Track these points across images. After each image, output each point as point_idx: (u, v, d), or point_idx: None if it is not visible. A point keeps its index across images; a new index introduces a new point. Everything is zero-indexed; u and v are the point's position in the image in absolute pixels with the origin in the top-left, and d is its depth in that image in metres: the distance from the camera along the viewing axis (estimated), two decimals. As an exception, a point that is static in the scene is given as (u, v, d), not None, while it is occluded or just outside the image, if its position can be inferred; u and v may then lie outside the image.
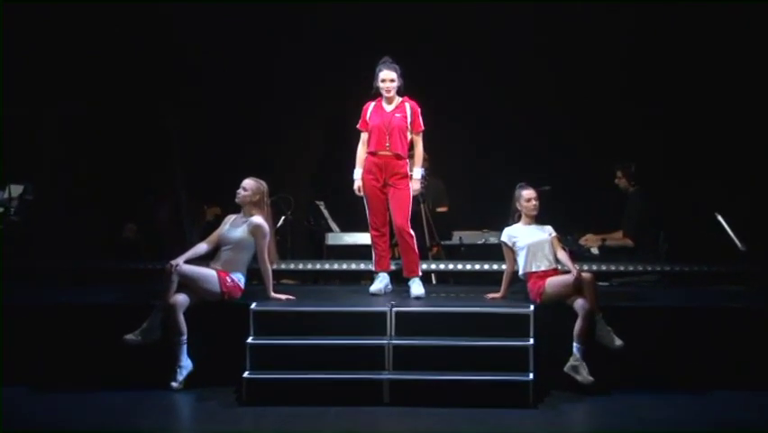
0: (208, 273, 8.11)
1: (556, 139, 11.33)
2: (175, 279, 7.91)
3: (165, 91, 11.12)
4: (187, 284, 7.99)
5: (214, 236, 8.38)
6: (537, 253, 8.28)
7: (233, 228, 8.33)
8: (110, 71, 11.14)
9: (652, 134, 11.22)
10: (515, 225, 8.45)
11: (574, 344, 7.82)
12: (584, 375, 7.77)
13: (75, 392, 7.87)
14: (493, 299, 8.46)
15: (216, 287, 8.09)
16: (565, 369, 7.80)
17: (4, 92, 10.50)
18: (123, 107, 11.19)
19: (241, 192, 8.36)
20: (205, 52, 11.33)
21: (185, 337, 7.91)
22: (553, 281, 8.09)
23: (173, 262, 7.95)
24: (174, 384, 7.88)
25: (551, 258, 8.29)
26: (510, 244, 8.39)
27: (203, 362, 7.96)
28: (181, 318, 7.91)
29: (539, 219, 8.48)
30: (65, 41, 10.97)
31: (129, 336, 7.84)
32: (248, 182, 8.38)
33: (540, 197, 8.47)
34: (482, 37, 11.32)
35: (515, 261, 8.39)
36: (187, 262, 8.06)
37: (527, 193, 8.41)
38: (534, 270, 8.25)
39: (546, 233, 8.39)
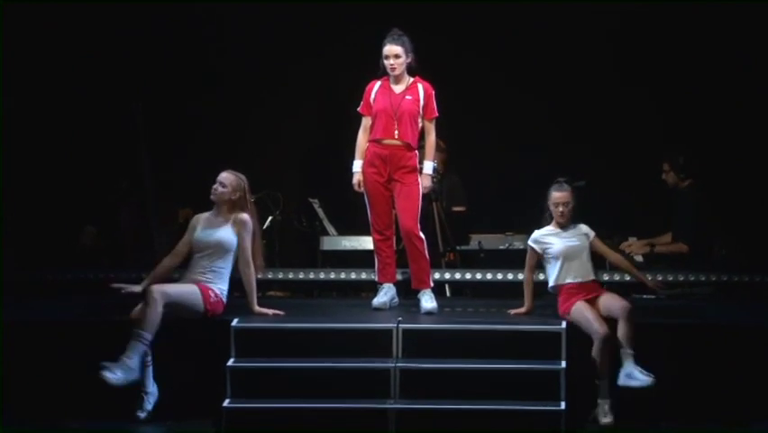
0: (191, 291, 8.09)
1: (593, 126, 11.34)
2: (160, 310, 7.79)
3: (131, 78, 11.19)
4: (170, 308, 7.91)
5: (182, 246, 8.34)
6: (574, 262, 8.30)
7: (209, 229, 8.30)
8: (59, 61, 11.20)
9: (706, 118, 11.20)
10: (546, 229, 8.45)
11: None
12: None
13: (21, 424, 7.90)
14: (517, 314, 8.52)
15: (200, 304, 8.09)
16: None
17: None
18: (80, 97, 11.25)
19: (218, 189, 8.34)
20: (177, 28, 11.39)
21: (147, 338, 7.76)
22: (578, 312, 8.07)
23: (155, 289, 7.81)
24: (141, 414, 7.90)
25: (589, 267, 8.32)
26: (540, 251, 8.40)
27: (175, 388, 8.00)
28: (156, 314, 7.77)
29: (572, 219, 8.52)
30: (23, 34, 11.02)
31: (109, 375, 7.59)
32: (225, 176, 8.36)
33: (573, 195, 8.46)
34: (510, 14, 11.34)
35: (535, 267, 8.45)
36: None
37: (557, 196, 8.39)
38: (569, 281, 8.28)
39: (582, 233, 8.39)
